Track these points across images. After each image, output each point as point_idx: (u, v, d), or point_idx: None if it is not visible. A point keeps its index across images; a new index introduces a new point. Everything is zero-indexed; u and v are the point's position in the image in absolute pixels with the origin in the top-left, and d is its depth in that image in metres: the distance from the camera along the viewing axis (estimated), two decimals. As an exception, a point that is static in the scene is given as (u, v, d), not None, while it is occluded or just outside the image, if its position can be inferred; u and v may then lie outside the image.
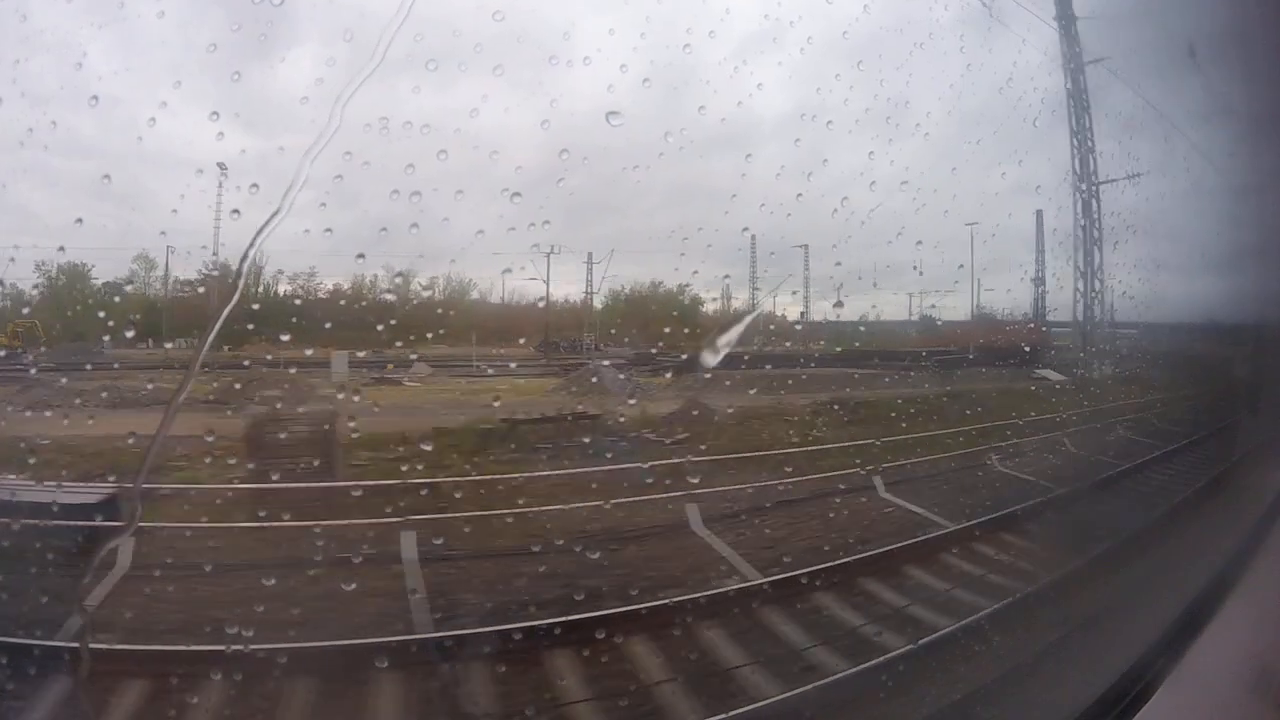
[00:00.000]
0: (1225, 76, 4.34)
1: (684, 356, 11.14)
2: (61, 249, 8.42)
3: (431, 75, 5.02)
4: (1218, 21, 4.37)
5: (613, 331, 17.54)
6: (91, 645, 4.35)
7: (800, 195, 6.99)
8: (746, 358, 8.72)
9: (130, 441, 5.46)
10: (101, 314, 12.36)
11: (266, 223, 2.83)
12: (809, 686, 4.77)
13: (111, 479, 5.79)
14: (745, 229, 7.88)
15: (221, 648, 4.31)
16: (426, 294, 12.92)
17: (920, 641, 5.13)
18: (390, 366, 11.60)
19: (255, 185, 4.16)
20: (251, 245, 2.88)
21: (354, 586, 5.09)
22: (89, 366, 8.88)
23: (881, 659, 5.00)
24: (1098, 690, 2.24)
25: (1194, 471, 7.59)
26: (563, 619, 5.19)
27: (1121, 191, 8.07)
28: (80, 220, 6.01)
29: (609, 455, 8.44)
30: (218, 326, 2.97)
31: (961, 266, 13.44)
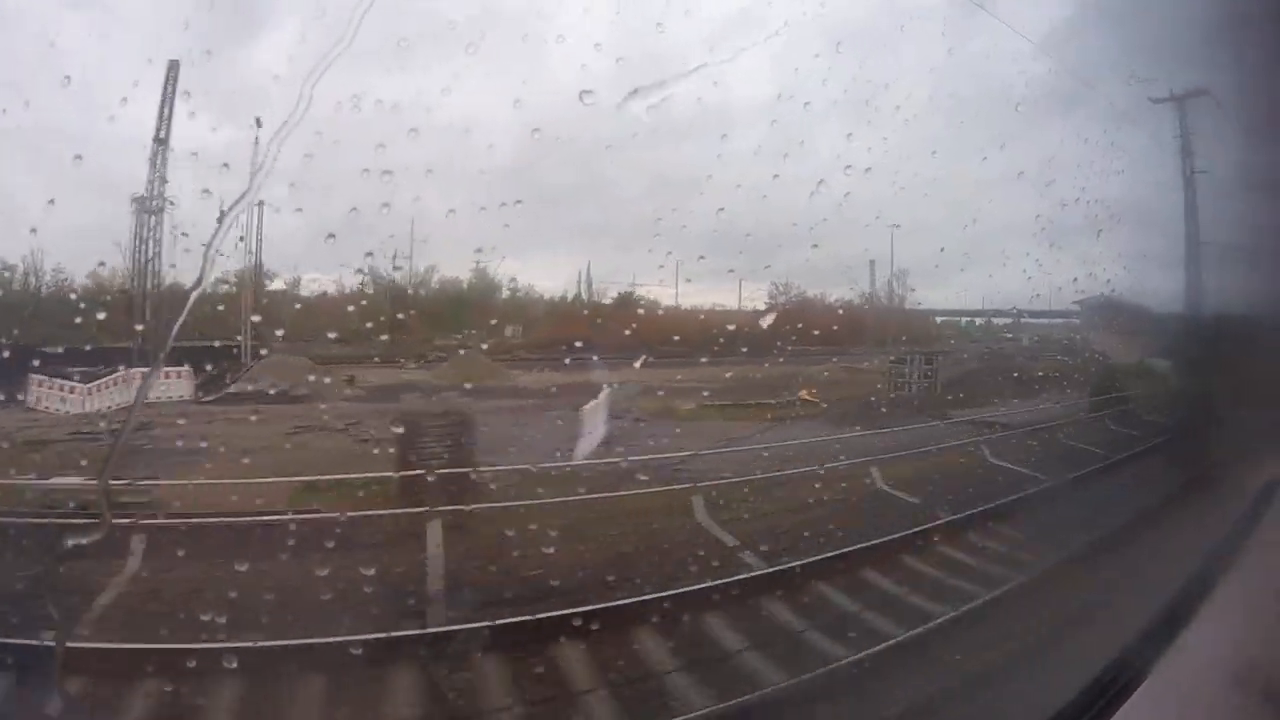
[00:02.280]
0: (1218, 70, 4.32)
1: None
2: (33, 231, 8.08)
3: (404, 54, 4.96)
4: (1210, 17, 4.34)
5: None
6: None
7: (777, 176, 6.88)
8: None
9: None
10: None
11: (235, 204, 2.74)
12: (786, 683, 4.75)
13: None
14: (721, 209, 7.65)
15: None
16: None
17: (900, 637, 5.13)
18: None
19: (226, 165, 4.05)
20: (219, 226, 2.78)
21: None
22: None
23: (863, 653, 4.99)
24: (1081, 684, 2.22)
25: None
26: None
27: (1106, 180, 8.06)
28: (52, 201, 5.87)
29: None
30: (187, 310, 2.87)
31: (943, 250, 12.97)
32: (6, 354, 6.60)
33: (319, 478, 7.62)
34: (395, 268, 12.32)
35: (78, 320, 8.69)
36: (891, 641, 5.18)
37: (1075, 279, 8.82)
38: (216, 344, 11.25)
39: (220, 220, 2.79)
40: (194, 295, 2.94)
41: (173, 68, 8.49)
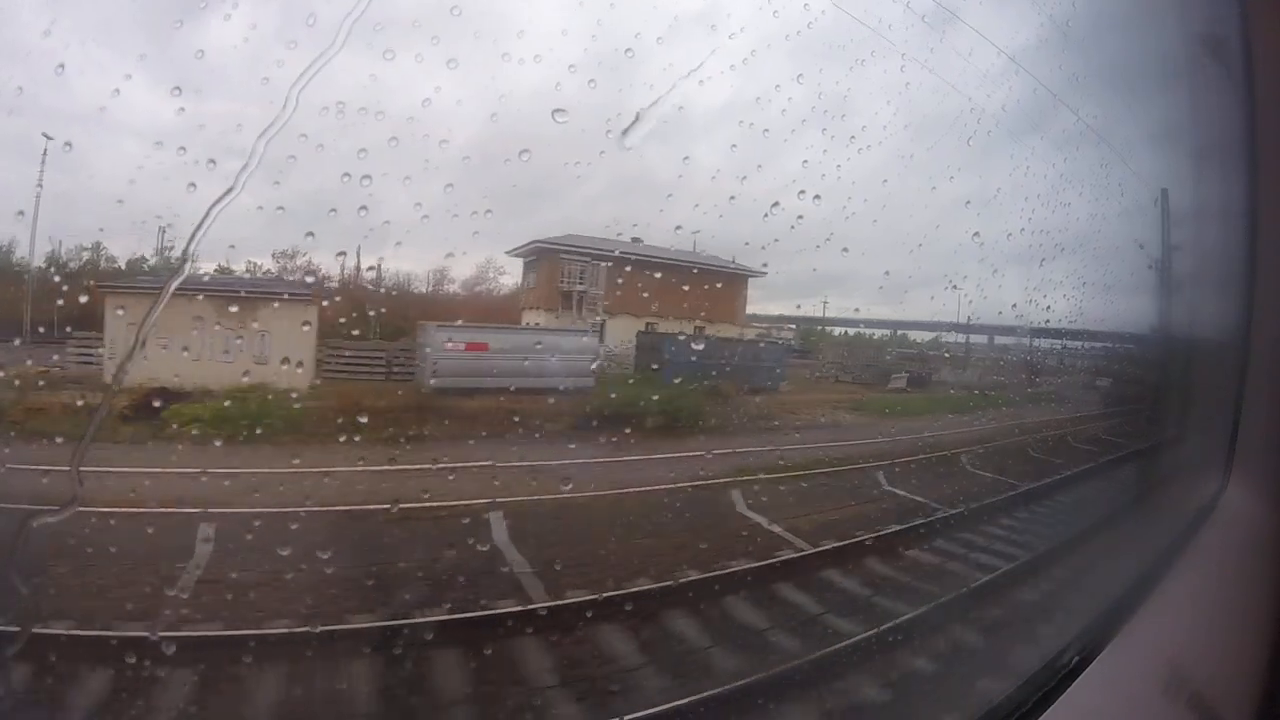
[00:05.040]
0: (1169, 103, 4.50)
1: None
2: (21, 214, 7.96)
3: (387, 63, 5.11)
4: (1165, 49, 4.53)
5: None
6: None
7: (733, 198, 7.05)
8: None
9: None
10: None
11: (219, 199, 2.83)
12: (718, 689, 4.80)
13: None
14: (678, 227, 7.60)
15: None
16: None
17: (835, 645, 5.20)
18: None
19: (213, 161, 4.14)
20: (203, 221, 2.87)
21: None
22: None
23: (794, 664, 5.07)
24: (1010, 686, 2.31)
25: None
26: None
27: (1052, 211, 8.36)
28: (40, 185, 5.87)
29: None
30: (165, 300, 2.95)
31: (888, 273, 12.77)
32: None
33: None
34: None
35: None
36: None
37: (1014, 304, 8.96)
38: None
39: (205, 215, 2.87)
40: (173, 285, 3.01)
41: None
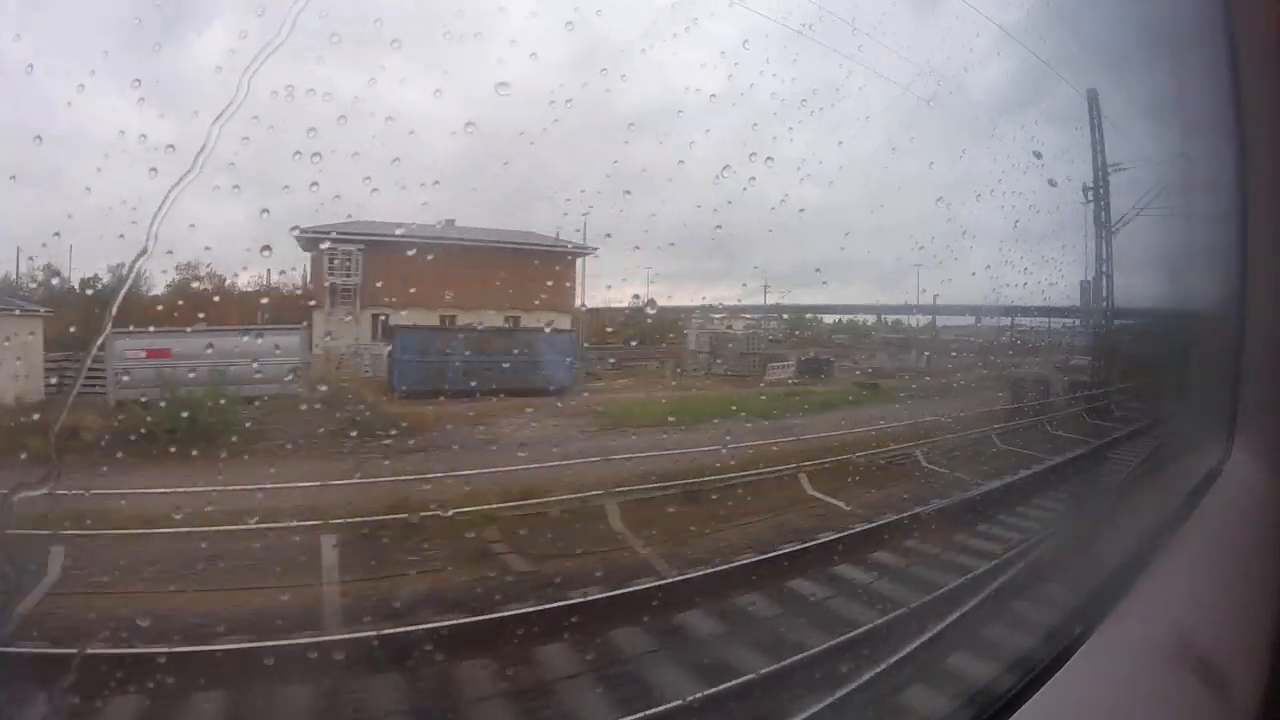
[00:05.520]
0: (1165, 76, 4.49)
1: None
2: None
3: (334, 48, 5.20)
4: (1160, 20, 4.51)
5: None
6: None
7: (729, 179, 6.94)
8: None
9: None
10: None
11: (178, 181, 2.75)
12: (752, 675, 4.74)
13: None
14: (627, 192, 7.24)
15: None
16: None
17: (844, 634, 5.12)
18: None
19: (171, 146, 4.10)
20: (164, 202, 2.78)
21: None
22: None
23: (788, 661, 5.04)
24: (1011, 657, 2.26)
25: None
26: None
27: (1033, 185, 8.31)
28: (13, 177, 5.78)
29: None
30: (129, 281, 2.86)
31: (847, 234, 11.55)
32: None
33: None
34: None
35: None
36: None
37: (987, 265, 8.86)
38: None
39: (166, 196, 2.78)
40: (139, 263, 2.94)
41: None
